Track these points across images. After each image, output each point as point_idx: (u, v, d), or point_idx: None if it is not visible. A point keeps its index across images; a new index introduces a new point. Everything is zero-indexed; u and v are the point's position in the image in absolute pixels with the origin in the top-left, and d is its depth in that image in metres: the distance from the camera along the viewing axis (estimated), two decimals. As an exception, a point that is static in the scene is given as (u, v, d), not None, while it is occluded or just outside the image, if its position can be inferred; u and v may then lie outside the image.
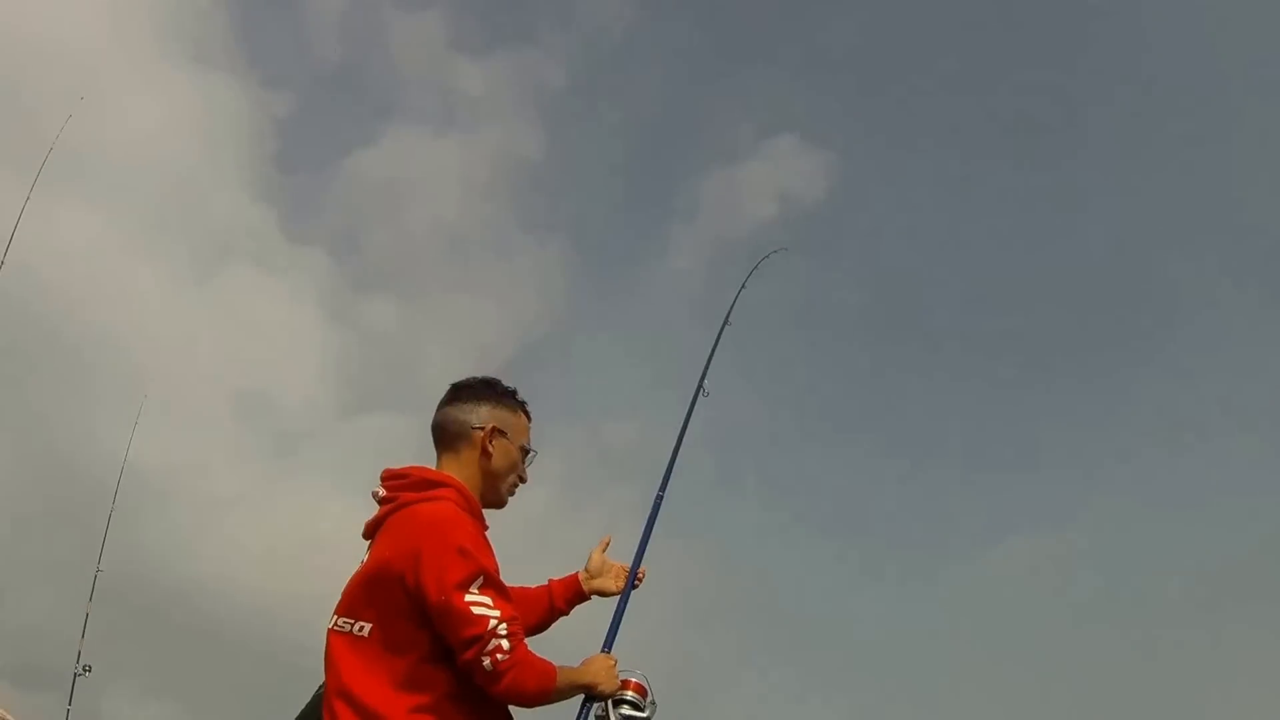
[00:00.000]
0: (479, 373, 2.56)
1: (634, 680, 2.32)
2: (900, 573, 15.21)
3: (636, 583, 2.65)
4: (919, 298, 17.66)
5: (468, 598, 2.08)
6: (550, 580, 2.72)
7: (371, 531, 2.34)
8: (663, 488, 2.94)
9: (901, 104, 18.47)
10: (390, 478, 2.36)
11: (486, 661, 2.07)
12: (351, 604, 2.23)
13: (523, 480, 2.50)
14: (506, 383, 2.54)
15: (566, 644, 2.61)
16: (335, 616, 2.25)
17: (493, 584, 2.14)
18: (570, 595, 2.68)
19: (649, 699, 2.32)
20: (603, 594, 2.66)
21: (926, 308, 17.58)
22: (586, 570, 2.71)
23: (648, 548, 2.74)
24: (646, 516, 2.84)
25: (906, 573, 15.15)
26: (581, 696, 2.27)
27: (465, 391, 2.49)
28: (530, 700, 2.17)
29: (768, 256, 4.05)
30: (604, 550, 2.74)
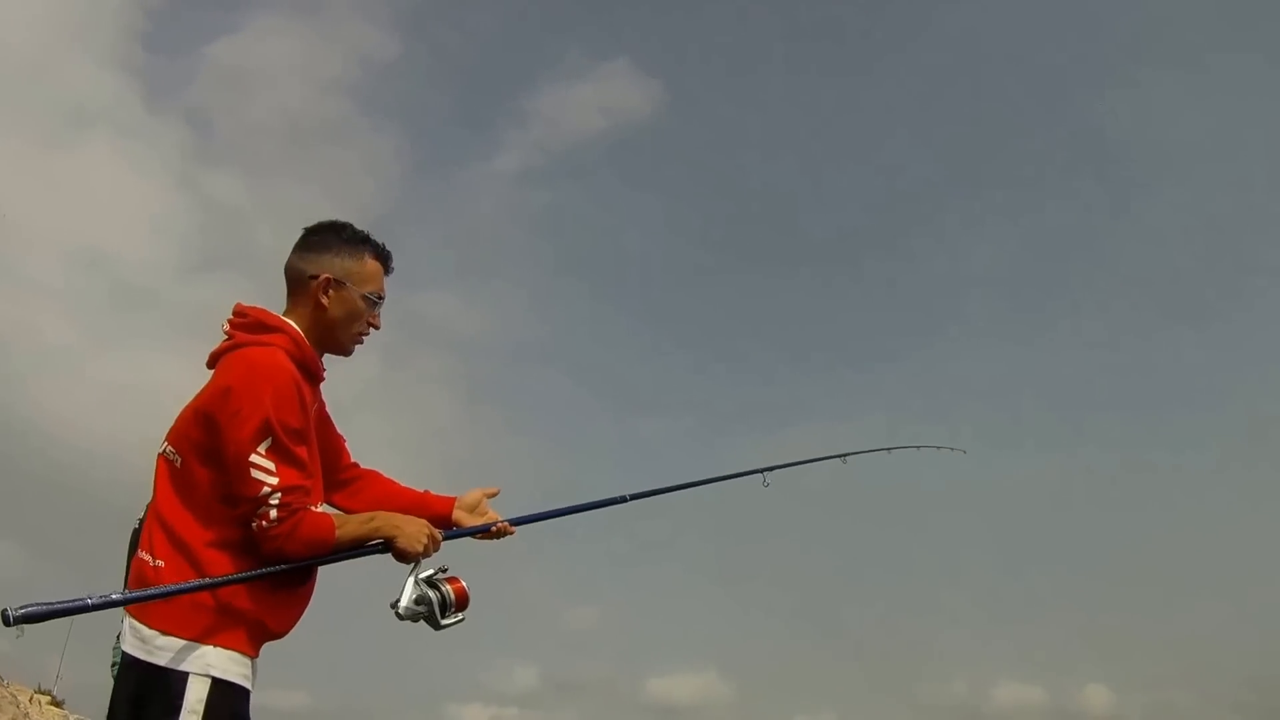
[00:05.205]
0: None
1: (461, 582, 2.29)
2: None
3: (495, 530, 2.58)
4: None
5: (252, 458, 2.11)
6: (428, 492, 2.69)
7: (212, 364, 2.33)
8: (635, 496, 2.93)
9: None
10: (235, 315, 2.35)
11: (254, 525, 2.12)
12: (175, 433, 2.27)
13: (374, 326, 2.45)
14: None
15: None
16: (165, 443, 2.28)
17: (279, 448, 2.13)
18: (436, 515, 2.56)
19: (455, 598, 2.25)
20: (458, 526, 2.59)
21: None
22: (460, 503, 2.65)
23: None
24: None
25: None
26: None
27: (311, 239, 2.44)
28: (302, 560, 2.19)
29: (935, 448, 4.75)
30: (486, 496, 2.67)
